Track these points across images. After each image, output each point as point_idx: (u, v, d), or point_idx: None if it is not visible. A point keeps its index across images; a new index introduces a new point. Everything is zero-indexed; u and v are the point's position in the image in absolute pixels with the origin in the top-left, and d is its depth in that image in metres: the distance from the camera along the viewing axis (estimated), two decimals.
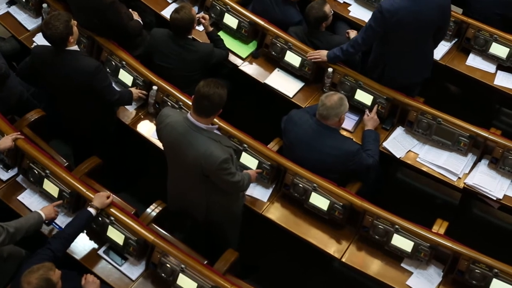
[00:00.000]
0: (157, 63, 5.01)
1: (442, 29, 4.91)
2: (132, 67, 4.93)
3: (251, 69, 5.27)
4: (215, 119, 4.14)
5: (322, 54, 4.99)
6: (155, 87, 4.83)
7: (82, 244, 4.17)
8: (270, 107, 5.48)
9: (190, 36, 4.96)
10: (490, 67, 5.24)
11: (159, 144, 4.74)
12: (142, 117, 4.94)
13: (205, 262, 4.05)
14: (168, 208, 4.37)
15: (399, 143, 4.80)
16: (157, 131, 4.08)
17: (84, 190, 4.23)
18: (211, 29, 5.20)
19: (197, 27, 5.13)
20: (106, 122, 4.88)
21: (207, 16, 5.20)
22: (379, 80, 4.94)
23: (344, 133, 4.80)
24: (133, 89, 4.83)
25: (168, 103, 4.76)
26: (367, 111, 4.84)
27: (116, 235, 4.10)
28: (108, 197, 4.15)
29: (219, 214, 4.17)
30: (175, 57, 4.95)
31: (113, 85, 4.79)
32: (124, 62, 4.95)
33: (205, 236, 4.41)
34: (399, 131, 4.87)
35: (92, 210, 4.03)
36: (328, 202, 4.30)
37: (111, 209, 4.15)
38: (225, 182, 3.93)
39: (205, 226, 4.27)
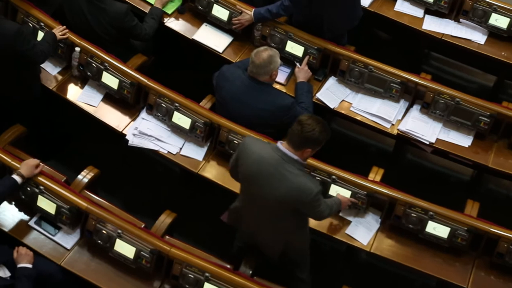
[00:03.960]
0: (70, 22, 4.76)
1: None
2: (51, 28, 4.67)
3: (177, 25, 5.10)
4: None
5: (244, 18, 4.87)
6: (77, 49, 4.61)
7: (11, 216, 4.01)
8: (199, 64, 5.36)
9: None
10: (417, 12, 5.24)
11: (86, 108, 4.61)
12: (66, 81, 4.72)
13: (143, 225, 3.96)
14: (237, 242, 4.17)
15: (332, 94, 4.78)
16: (237, 160, 3.73)
17: (9, 160, 4.04)
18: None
19: None
20: (29, 87, 4.63)
21: None
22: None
23: (277, 86, 4.73)
24: (54, 31, 4.59)
25: (93, 64, 4.57)
26: (298, 63, 4.78)
27: (47, 205, 3.95)
28: (37, 166, 3.98)
29: (294, 251, 3.97)
30: (87, 15, 4.72)
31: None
32: (42, 24, 4.70)
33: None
34: (331, 81, 4.84)
35: (17, 178, 3.85)
36: None
37: (40, 178, 3.99)
38: (315, 212, 3.75)
39: (277, 262, 4.07)
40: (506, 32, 5.03)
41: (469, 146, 4.55)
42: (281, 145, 3.60)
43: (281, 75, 4.77)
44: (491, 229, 3.97)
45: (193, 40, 5.03)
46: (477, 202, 4.23)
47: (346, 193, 4.14)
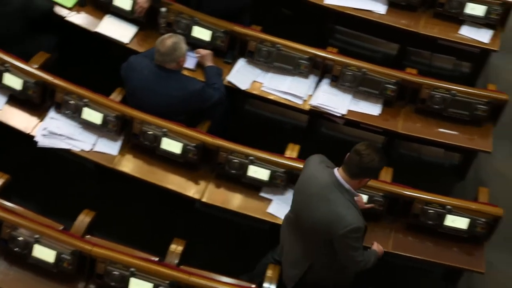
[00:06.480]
0: None
1: None
2: None
3: (79, 18, 4.97)
4: None
5: (142, 0, 4.80)
6: None
7: None
8: (106, 57, 5.26)
9: None
10: None
11: None
12: None
13: (61, 227, 3.88)
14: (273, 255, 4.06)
15: (242, 75, 4.80)
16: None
17: None
18: None
19: None
20: None
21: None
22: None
23: (186, 72, 4.70)
24: None
25: None
26: (194, 53, 4.73)
27: None
28: None
29: (312, 283, 3.78)
30: None
31: None
32: None
33: None
34: (241, 63, 4.85)
35: None
36: (180, 145, 4.24)
37: None
38: (346, 253, 3.53)
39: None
40: (405, 1, 5.17)
41: (379, 114, 4.68)
42: (337, 172, 3.51)
43: (190, 61, 4.74)
44: (405, 192, 4.11)
45: (96, 33, 4.92)
46: (390, 168, 4.36)
47: (265, 173, 4.18)
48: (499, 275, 4.67)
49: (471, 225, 4.07)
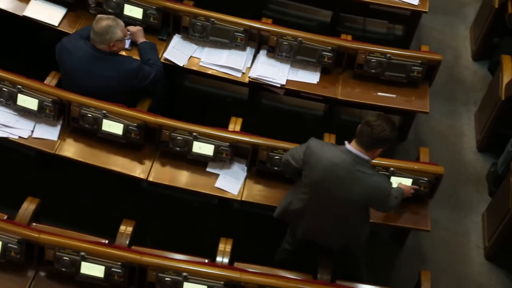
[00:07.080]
0: None
1: None
2: None
3: (4, 3, 4.79)
4: None
5: None
6: None
7: None
8: (38, 41, 5.11)
9: None
10: None
11: None
12: None
13: (5, 217, 3.78)
14: (286, 245, 4.19)
15: (179, 51, 4.75)
16: (305, 164, 3.65)
17: None
18: None
19: None
20: None
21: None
22: None
23: (123, 52, 4.60)
24: None
25: None
26: (127, 28, 4.64)
27: None
28: None
29: (355, 243, 3.97)
30: None
31: None
32: None
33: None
34: (176, 39, 4.80)
35: None
36: (122, 126, 4.18)
37: None
38: (385, 207, 3.81)
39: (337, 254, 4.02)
40: None
41: (317, 82, 4.72)
42: (351, 147, 3.53)
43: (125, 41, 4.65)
44: None
45: (24, 17, 4.77)
46: (333, 134, 4.42)
47: (209, 148, 4.17)
48: (443, 231, 4.83)
49: (414, 185, 4.17)
